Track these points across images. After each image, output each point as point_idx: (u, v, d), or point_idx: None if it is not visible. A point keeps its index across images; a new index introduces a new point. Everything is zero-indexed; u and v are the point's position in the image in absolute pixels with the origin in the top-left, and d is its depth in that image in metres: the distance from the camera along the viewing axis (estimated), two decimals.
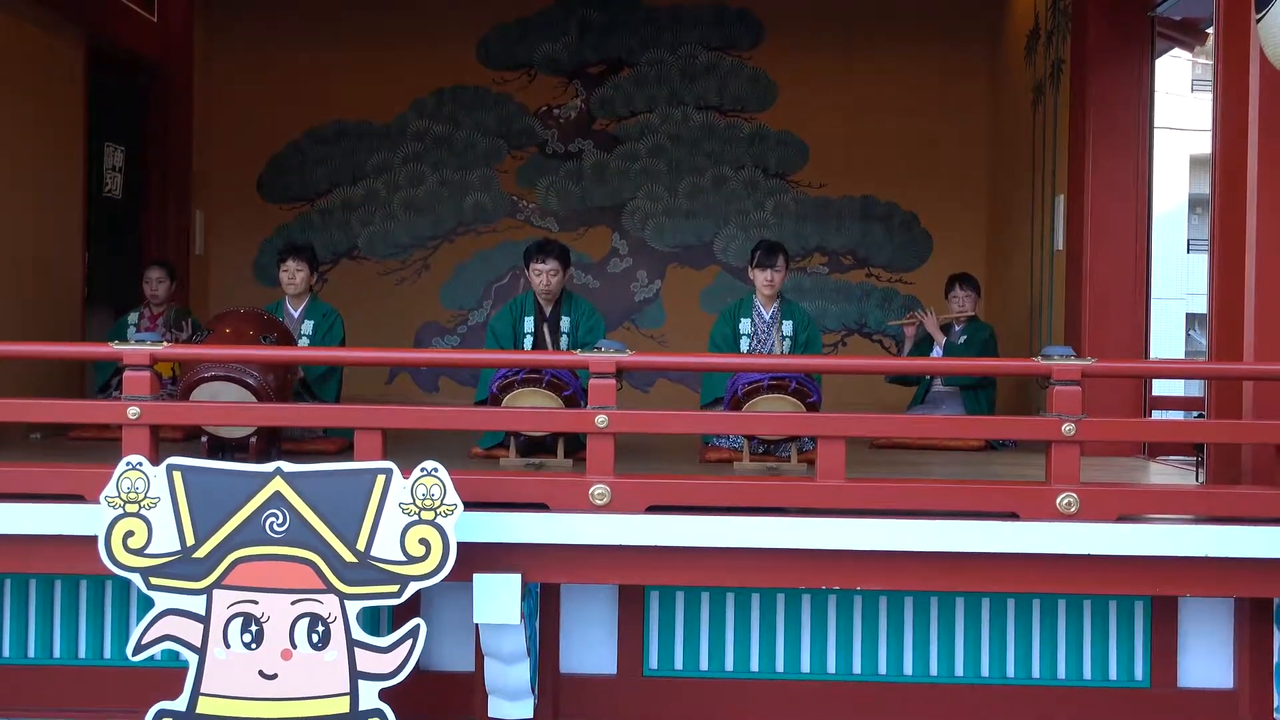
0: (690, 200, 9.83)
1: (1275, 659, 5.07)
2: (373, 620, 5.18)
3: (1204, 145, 5.92)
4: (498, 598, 4.64)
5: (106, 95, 8.36)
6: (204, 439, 5.64)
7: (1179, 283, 21.21)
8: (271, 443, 5.77)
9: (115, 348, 4.98)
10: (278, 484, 4.46)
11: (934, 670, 5.32)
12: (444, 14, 9.78)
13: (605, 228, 9.90)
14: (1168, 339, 20.70)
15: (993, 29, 9.53)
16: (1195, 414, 7.75)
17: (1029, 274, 8.42)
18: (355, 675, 4.43)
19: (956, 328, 7.88)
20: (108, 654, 5.37)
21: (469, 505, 4.52)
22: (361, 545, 4.43)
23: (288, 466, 4.48)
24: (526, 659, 4.82)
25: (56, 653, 5.38)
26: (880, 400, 8.20)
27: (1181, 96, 20.60)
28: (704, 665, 5.36)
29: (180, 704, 4.42)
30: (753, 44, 9.83)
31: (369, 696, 4.42)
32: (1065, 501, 4.71)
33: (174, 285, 7.94)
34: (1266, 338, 5.01)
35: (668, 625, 5.35)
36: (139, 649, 4.44)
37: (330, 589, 4.43)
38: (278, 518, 4.45)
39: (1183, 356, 20.78)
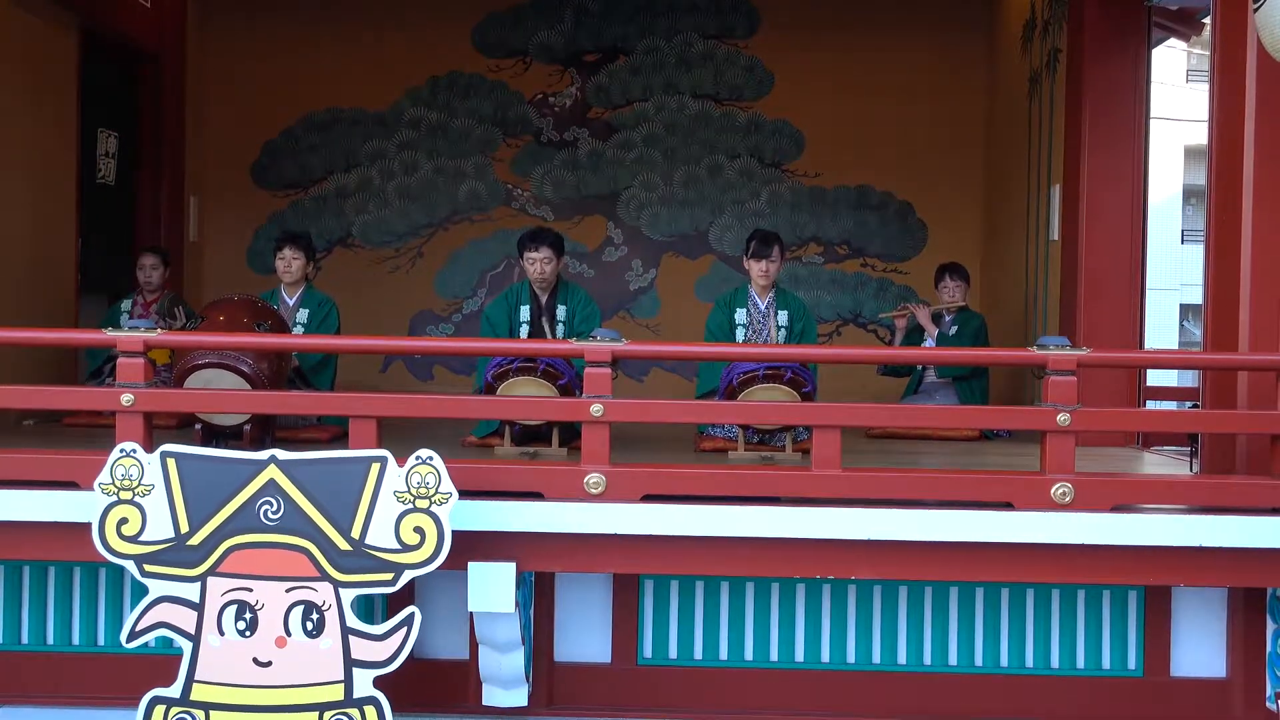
0: (685, 189, 9.81)
1: (1268, 648, 5.08)
2: (367, 608, 5.18)
3: (1198, 136, 5.93)
4: (492, 586, 4.64)
5: (100, 81, 8.32)
6: (198, 427, 5.62)
7: (1173, 273, 21.25)
8: (265, 430, 5.76)
9: (109, 334, 4.96)
10: (272, 471, 4.46)
11: (928, 660, 5.33)
12: (439, 1, 9.75)
13: (600, 216, 9.88)
14: (1161, 330, 20.74)
15: (989, 18, 9.52)
16: (1189, 404, 7.76)
17: (1024, 264, 8.42)
18: (350, 663, 4.43)
19: (947, 318, 7.88)
20: (102, 641, 5.36)
21: (464, 494, 4.52)
22: (356, 533, 4.42)
23: (282, 454, 4.48)
24: (521, 647, 4.82)
25: (50, 640, 5.37)
26: (873, 390, 8.20)
27: (1176, 87, 20.61)
28: (698, 654, 5.36)
29: (174, 691, 4.42)
30: (749, 32, 9.81)
31: (363, 684, 4.42)
32: (1060, 491, 4.72)
33: (168, 272, 7.92)
34: (1261, 328, 5.02)
35: (662, 614, 5.35)
36: (133, 636, 4.44)
37: (325, 577, 4.42)
38: (272, 505, 4.44)
39: (1176, 347, 20.82)
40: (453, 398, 6.06)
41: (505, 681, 4.90)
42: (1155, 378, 8.07)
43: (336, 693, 4.42)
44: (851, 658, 5.33)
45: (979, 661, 5.33)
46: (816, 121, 9.73)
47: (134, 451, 4.47)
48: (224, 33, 9.72)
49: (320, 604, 4.43)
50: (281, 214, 9.79)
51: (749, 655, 5.35)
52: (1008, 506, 4.75)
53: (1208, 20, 5.63)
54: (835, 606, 5.34)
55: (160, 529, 4.43)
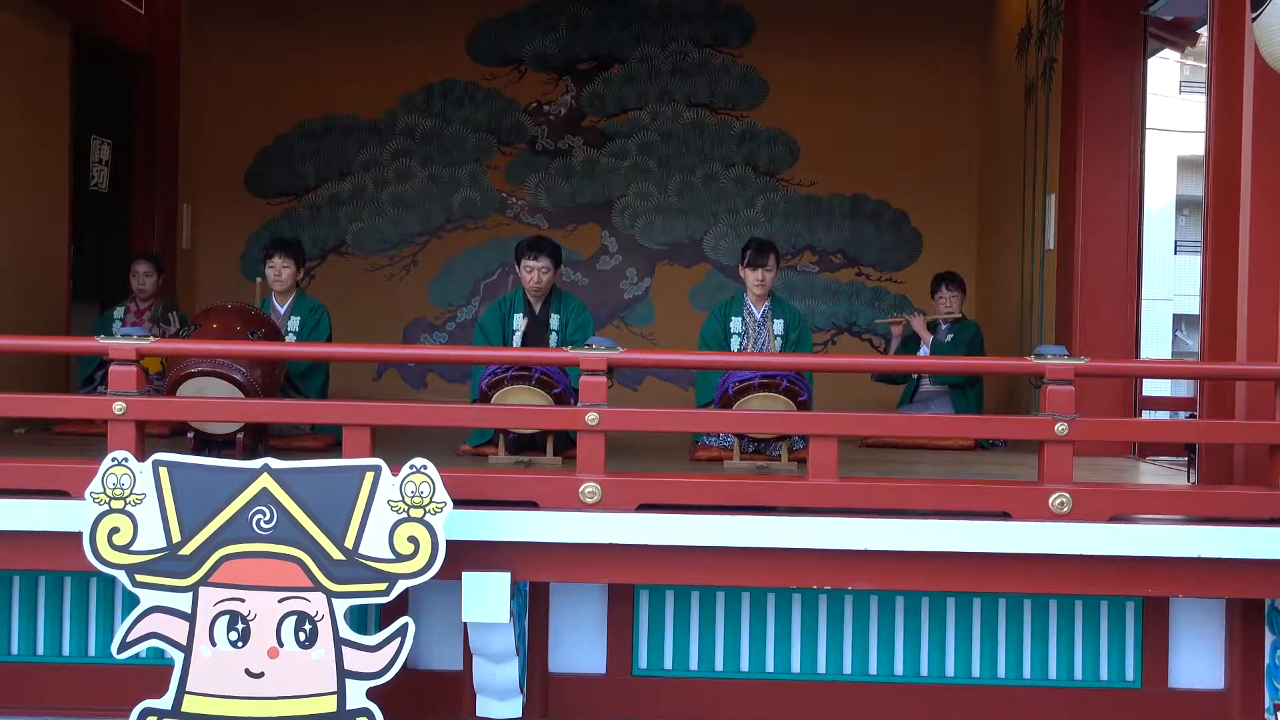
0: (680, 198, 9.80)
1: (1267, 660, 5.06)
2: (361, 618, 5.14)
3: (1192, 146, 5.93)
4: (487, 596, 4.61)
5: (93, 88, 8.29)
6: (190, 435, 5.59)
7: (1166, 284, 21.25)
8: (259, 439, 5.73)
9: (101, 342, 4.93)
10: (265, 480, 4.42)
11: (924, 671, 5.30)
12: (434, 8, 9.74)
13: (595, 225, 9.87)
14: (1155, 340, 20.73)
15: (985, 27, 9.53)
16: (1185, 414, 7.75)
17: (1020, 273, 8.41)
18: (343, 674, 4.39)
19: (943, 326, 7.87)
20: (92, 652, 5.31)
21: (458, 503, 4.49)
22: (350, 543, 4.39)
23: (275, 463, 4.44)
24: (515, 658, 4.79)
25: (40, 650, 5.32)
26: (869, 400, 8.18)
27: (1170, 98, 20.64)
28: (693, 665, 5.32)
29: (165, 702, 4.38)
30: (744, 41, 9.81)
31: (356, 695, 4.39)
32: (1058, 501, 4.70)
33: (161, 279, 7.89)
34: (1258, 338, 5.01)
35: (657, 624, 5.32)
36: (124, 647, 4.40)
37: (318, 587, 4.39)
38: (265, 514, 4.40)
39: (1170, 357, 20.82)
40: (447, 406, 6.03)
41: (499, 692, 4.87)
42: (1149, 387, 8.07)
43: (329, 704, 4.38)
44: (848, 669, 5.30)
45: (976, 673, 5.30)
46: (811, 130, 9.73)
47: (126, 460, 4.44)
48: (218, 39, 9.70)
49: (313, 614, 4.39)
50: (275, 221, 9.76)
51: (745, 666, 5.32)
52: (1005, 516, 4.73)
53: (1203, 31, 5.63)
54: (831, 617, 5.31)
55: (152, 539, 4.39)
